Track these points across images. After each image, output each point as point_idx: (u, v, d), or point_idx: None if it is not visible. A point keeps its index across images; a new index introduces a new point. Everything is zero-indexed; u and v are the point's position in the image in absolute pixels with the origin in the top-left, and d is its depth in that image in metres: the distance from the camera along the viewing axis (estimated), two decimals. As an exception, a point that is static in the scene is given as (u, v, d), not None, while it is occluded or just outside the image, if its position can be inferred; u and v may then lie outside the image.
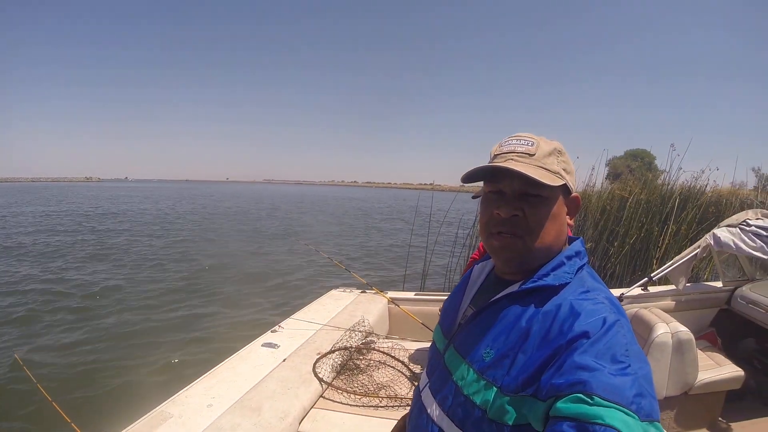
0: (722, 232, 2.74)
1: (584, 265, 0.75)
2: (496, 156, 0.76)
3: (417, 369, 2.35)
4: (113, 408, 3.38)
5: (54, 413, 1.98)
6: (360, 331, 2.74)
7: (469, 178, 0.76)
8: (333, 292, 3.65)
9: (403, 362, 2.43)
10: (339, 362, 2.33)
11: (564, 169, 0.74)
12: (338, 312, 3.08)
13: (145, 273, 8.15)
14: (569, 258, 0.74)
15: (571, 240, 0.80)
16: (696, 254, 2.86)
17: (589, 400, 0.54)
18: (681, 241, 5.58)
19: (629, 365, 0.58)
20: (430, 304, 3.13)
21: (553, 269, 0.72)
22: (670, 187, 6.66)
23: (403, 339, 2.81)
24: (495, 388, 0.66)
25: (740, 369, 2.41)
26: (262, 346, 2.43)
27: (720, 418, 2.41)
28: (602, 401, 0.54)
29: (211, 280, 7.69)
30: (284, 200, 41.23)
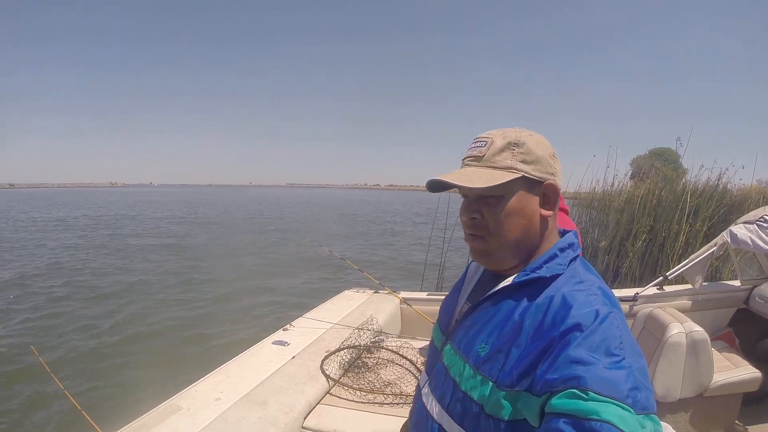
0: (739, 229, 2.65)
1: (577, 256, 0.75)
2: (462, 160, 0.78)
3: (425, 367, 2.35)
4: (125, 401, 3.51)
5: (67, 403, 2.06)
6: (370, 330, 2.75)
7: (430, 188, 0.78)
8: (346, 292, 3.66)
9: (411, 360, 2.43)
10: (347, 360, 2.35)
11: (523, 161, 0.72)
12: (350, 311, 3.09)
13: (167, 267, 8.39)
14: (562, 250, 0.74)
15: (565, 232, 0.80)
16: (713, 252, 2.77)
17: (584, 395, 0.54)
18: (701, 240, 5.45)
19: (624, 358, 0.58)
20: None
21: (546, 261, 0.72)
22: (692, 185, 6.51)
23: (412, 338, 2.81)
24: (491, 383, 0.66)
25: (758, 371, 2.33)
26: (273, 343, 2.48)
27: (737, 421, 2.34)
28: (597, 396, 0.54)
29: (226, 279, 7.87)
30: (309, 204, 41.95)
